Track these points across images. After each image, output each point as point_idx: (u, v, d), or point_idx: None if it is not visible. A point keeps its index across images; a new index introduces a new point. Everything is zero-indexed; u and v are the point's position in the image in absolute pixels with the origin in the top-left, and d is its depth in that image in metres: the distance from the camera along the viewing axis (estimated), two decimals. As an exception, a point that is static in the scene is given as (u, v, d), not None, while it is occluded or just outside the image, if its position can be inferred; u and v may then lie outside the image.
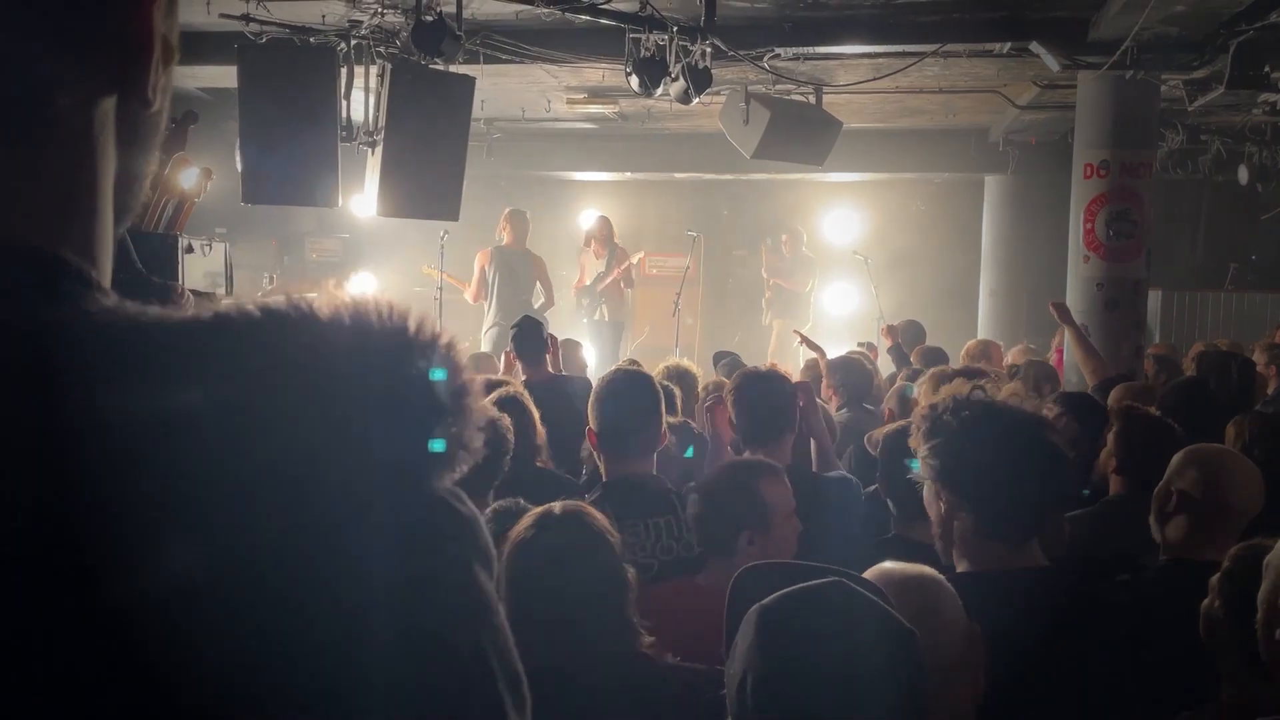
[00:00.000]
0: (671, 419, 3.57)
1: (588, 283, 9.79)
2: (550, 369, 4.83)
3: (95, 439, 0.46)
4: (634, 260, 10.04)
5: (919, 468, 2.08)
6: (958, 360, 6.10)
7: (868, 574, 1.61)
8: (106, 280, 0.56)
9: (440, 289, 9.29)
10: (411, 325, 0.53)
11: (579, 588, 1.89)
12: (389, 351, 0.52)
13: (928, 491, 2.06)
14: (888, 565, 1.66)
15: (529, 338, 4.81)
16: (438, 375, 0.53)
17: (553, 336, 5.04)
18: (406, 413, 0.52)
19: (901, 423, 3.00)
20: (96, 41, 0.53)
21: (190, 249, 6.67)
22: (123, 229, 0.61)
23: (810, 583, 1.38)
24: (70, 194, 0.55)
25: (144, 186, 0.62)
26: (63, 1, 0.52)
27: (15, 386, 0.46)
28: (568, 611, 1.88)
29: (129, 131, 0.58)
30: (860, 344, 7.66)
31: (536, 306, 8.52)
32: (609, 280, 9.69)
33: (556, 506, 2.01)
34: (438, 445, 0.52)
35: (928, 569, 1.67)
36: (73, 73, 0.53)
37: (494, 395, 3.35)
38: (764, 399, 3.15)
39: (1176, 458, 2.62)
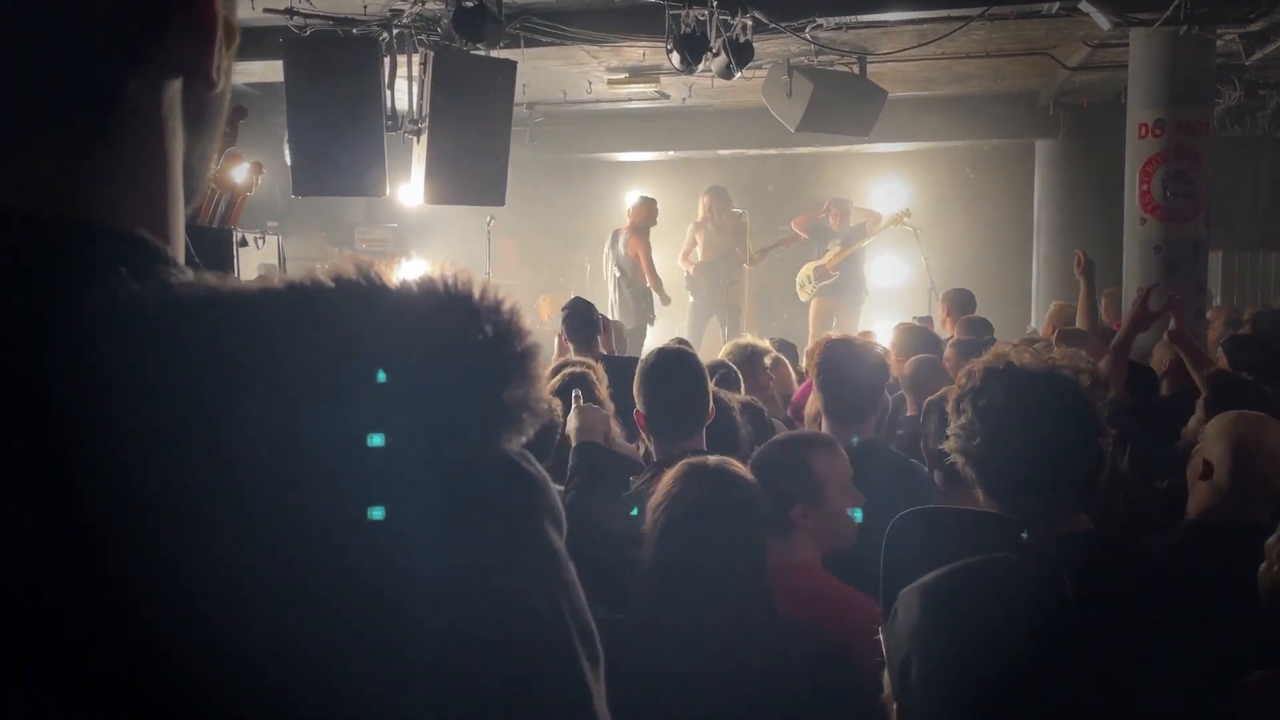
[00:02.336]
0: (738, 396, 3.57)
1: (709, 259, 9.29)
2: (603, 349, 4.84)
3: (178, 407, 0.48)
4: (787, 239, 9.53)
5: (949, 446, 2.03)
6: (1008, 332, 5.99)
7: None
8: (181, 256, 0.58)
9: (489, 274, 9.36)
10: (476, 292, 0.54)
11: (724, 543, 1.99)
12: (455, 317, 0.53)
13: (964, 456, 2.02)
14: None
15: (580, 319, 4.82)
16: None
17: (605, 318, 5.04)
18: (474, 376, 0.53)
19: (944, 390, 2.96)
20: (164, 24, 0.55)
21: (244, 243, 6.79)
22: (191, 209, 0.63)
23: (973, 559, 1.36)
24: (144, 175, 0.57)
25: (209, 168, 0.64)
26: None
27: (96, 359, 0.48)
28: (711, 567, 1.96)
29: (195, 113, 0.60)
30: (916, 318, 7.58)
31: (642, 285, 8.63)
32: (756, 255, 9.30)
33: (711, 460, 2.14)
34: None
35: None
36: (142, 56, 0.55)
37: (564, 373, 3.38)
38: (853, 375, 3.11)
39: (1212, 425, 2.56)
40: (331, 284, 0.52)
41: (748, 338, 4.90)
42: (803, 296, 9.85)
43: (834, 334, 3.74)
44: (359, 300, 0.52)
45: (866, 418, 3.11)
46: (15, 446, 0.47)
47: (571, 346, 4.81)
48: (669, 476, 2.14)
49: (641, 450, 3.37)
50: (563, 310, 4.97)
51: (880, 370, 3.20)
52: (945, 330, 6.66)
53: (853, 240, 9.68)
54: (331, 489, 0.48)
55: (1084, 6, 6.08)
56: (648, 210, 9.02)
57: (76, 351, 0.48)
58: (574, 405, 2.97)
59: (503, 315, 0.55)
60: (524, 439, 0.57)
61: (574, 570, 0.56)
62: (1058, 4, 6.16)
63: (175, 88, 0.58)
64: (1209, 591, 2.08)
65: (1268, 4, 5.85)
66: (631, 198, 8.96)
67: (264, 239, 7.26)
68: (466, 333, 0.53)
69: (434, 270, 0.55)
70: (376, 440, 0.49)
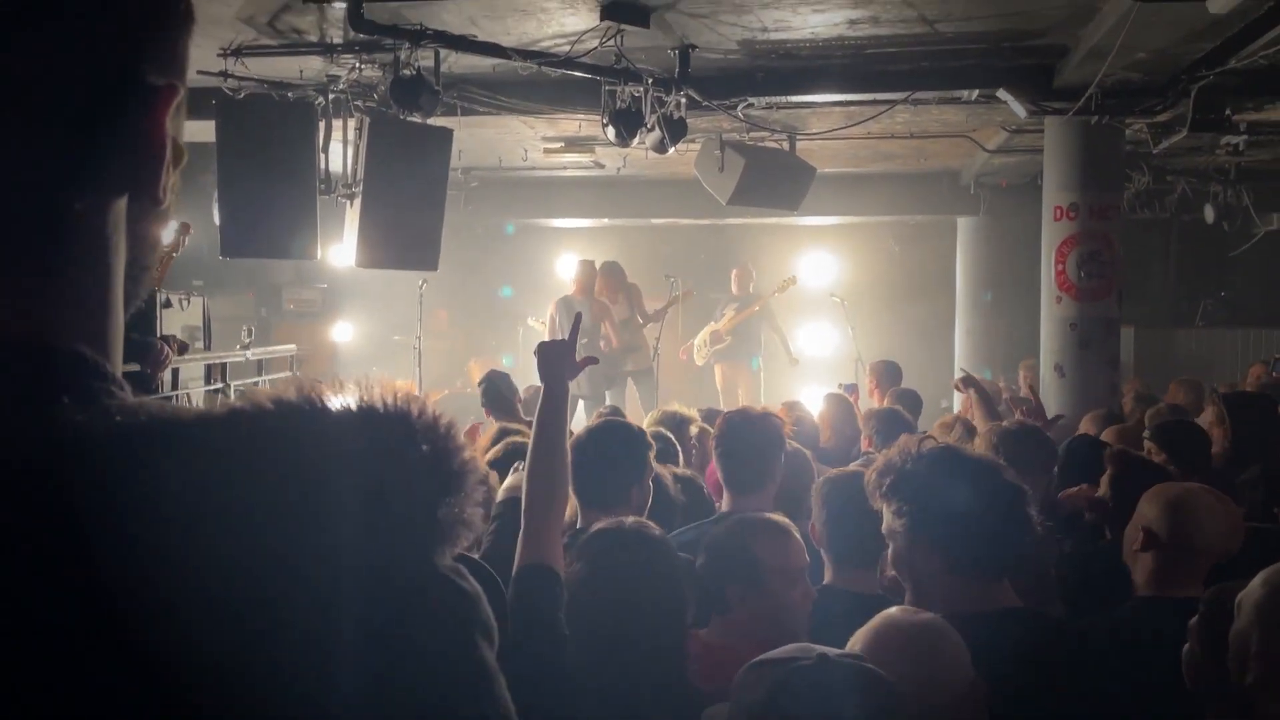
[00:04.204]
0: (675, 470, 3.59)
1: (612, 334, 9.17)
2: (525, 416, 4.89)
3: (116, 538, 0.48)
4: (681, 293, 9.39)
5: (887, 516, 2.15)
6: (930, 401, 6.15)
7: (873, 623, 1.66)
8: (119, 367, 0.58)
9: (419, 337, 9.31)
10: (414, 410, 0.56)
11: (645, 602, 2.02)
12: (393, 437, 0.55)
13: (898, 540, 2.12)
14: (894, 613, 1.72)
15: (495, 393, 5.00)
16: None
17: (518, 389, 5.21)
18: (410, 494, 0.54)
19: (850, 468, 3.02)
20: (113, 147, 0.56)
21: (168, 303, 6.68)
22: (129, 315, 0.64)
23: (792, 662, 1.44)
24: (87, 291, 0.57)
25: (151, 278, 0.65)
26: (80, 108, 0.55)
27: (38, 487, 0.48)
28: (624, 626, 1.98)
29: (139, 228, 0.61)
30: (841, 385, 7.70)
31: (605, 350, 8.56)
32: (653, 315, 9.19)
33: (627, 519, 2.17)
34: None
35: (934, 616, 1.73)
36: (89, 177, 0.56)
37: (505, 442, 3.39)
38: (749, 443, 3.15)
39: (1144, 496, 2.66)
40: (271, 407, 0.53)
41: (675, 406, 4.96)
42: (698, 360, 10.11)
43: (734, 407, 3.77)
44: (298, 424, 0.53)
45: (765, 486, 3.14)
46: None
47: (493, 418, 4.88)
48: (585, 537, 2.15)
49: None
50: (480, 384, 5.13)
51: (776, 441, 3.22)
52: (873, 401, 6.79)
53: (746, 305, 9.91)
54: (267, 607, 0.49)
55: (1001, 95, 6.35)
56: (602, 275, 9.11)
57: (17, 481, 0.48)
58: (512, 473, 2.97)
59: (439, 433, 0.56)
60: (457, 551, 0.58)
61: (504, 684, 0.57)
62: (977, 92, 6.43)
63: (121, 204, 0.59)
64: (1151, 668, 2.14)
65: (1173, 97, 6.17)
66: (584, 265, 8.98)
67: (189, 300, 7.13)
68: (404, 452, 0.54)
69: (372, 388, 0.56)
70: (310, 564, 0.50)
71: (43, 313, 0.55)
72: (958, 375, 6.13)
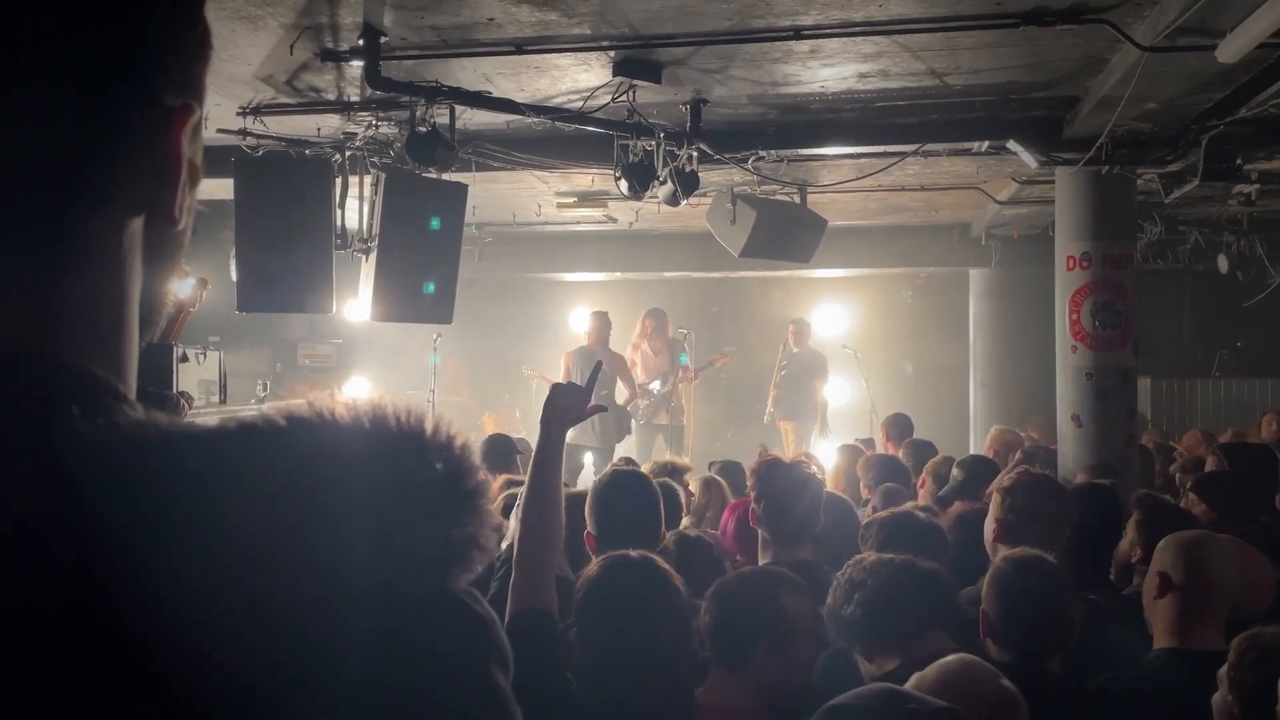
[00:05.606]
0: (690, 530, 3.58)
1: (650, 383, 9.48)
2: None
3: (124, 551, 0.47)
4: (726, 353, 9.66)
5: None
6: (946, 452, 6.12)
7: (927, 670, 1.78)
8: (133, 391, 0.58)
9: (433, 390, 9.33)
10: (428, 429, 0.55)
11: (648, 629, 2.01)
12: (407, 455, 0.53)
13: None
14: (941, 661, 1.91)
15: (496, 456, 5.10)
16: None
17: (524, 442, 5.25)
18: (423, 515, 0.53)
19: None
20: (128, 165, 0.56)
21: (185, 358, 6.72)
22: (146, 341, 0.63)
23: (866, 688, 1.62)
24: (100, 311, 0.57)
25: (167, 301, 0.65)
26: (96, 126, 0.55)
27: (49, 502, 0.47)
28: (634, 653, 1.97)
29: (155, 249, 0.61)
30: (858, 439, 7.67)
31: (620, 402, 8.65)
32: (692, 375, 9.44)
33: (633, 553, 2.16)
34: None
35: (967, 655, 1.93)
36: (105, 195, 0.56)
37: (509, 493, 3.39)
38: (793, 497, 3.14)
39: (1161, 545, 2.62)
40: (283, 423, 0.52)
41: (668, 456, 5.01)
42: (766, 419, 10.17)
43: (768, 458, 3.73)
44: (311, 439, 0.52)
45: (806, 539, 3.13)
46: None
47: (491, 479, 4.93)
48: (591, 567, 2.12)
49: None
50: (481, 447, 5.22)
51: (818, 493, 3.26)
52: (886, 451, 6.77)
53: (791, 362, 9.97)
54: (279, 626, 0.48)
55: (1011, 146, 6.39)
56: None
57: (24, 493, 0.47)
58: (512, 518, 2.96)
59: (454, 452, 0.55)
60: (472, 576, 0.56)
61: (519, 711, 0.56)
62: (986, 143, 6.47)
63: (137, 224, 0.58)
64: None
65: (1183, 147, 6.19)
66: (594, 317, 9.10)
67: (205, 354, 7.18)
68: (417, 470, 0.53)
69: (386, 405, 0.55)
70: (323, 583, 0.49)
71: (54, 330, 0.54)
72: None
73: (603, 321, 9.02)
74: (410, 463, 0.53)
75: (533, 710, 1.89)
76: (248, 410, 7.75)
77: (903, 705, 1.55)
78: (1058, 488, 3.78)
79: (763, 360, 10.97)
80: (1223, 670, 1.99)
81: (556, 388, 2.51)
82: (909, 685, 1.79)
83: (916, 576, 2.43)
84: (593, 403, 2.57)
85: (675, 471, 4.69)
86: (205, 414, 6.93)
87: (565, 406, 2.43)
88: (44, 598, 0.46)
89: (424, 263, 6.27)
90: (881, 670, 2.31)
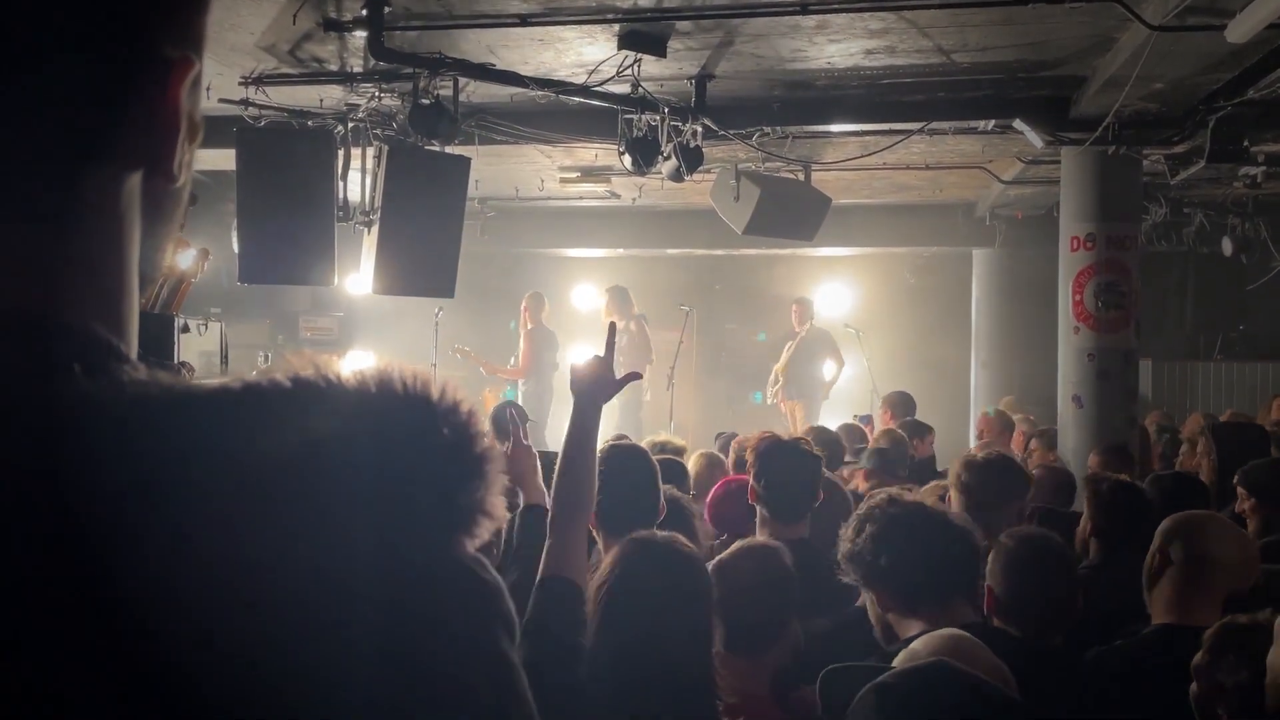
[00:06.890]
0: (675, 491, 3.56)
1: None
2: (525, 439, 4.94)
3: (128, 509, 0.46)
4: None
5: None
6: (945, 432, 6.18)
7: (914, 645, 1.80)
8: (134, 350, 0.57)
9: (434, 365, 9.32)
10: (435, 393, 0.54)
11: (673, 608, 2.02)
12: (414, 418, 0.53)
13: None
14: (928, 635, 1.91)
15: (496, 425, 5.13)
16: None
17: (520, 412, 5.25)
18: (431, 479, 0.53)
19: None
20: (126, 120, 0.55)
21: (186, 329, 6.70)
22: (143, 300, 0.63)
23: (916, 663, 1.60)
24: (99, 269, 0.56)
25: (165, 258, 0.64)
26: (93, 81, 0.54)
27: (50, 460, 0.47)
28: (656, 642, 1.98)
29: (153, 206, 0.60)
30: (856, 416, 7.69)
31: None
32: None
33: (659, 535, 2.19)
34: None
35: (957, 630, 1.91)
36: (102, 149, 0.55)
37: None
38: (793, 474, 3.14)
39: (1163, 524, 2.67)
40: (289, 384, 0.52)
41: (664, 435, 5.01)
42: (770, 401, 10.17)
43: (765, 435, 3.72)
44: (317, 401, 0.51)
45: (805, 517, 3.14)
46: None
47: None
48: (615, 550, 2.12)
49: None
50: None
51: (818, 471, 3.26)
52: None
53: (794, 342, 9.97)
54: (283, 591, 0.47)
55: (1018, 125, 6.35)
56: None
57: (26, 450, 0.47)
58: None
59: (461, 417, 0.55)
60: (478, 542, 0.56)
61: (525, 680, 0.55)
62: (993, 122, 6.43)
63: (135, 180, 0.57)
64: (1169, 696, 2.12)
65: (1190, 128, 6.16)
66: (612, 293, 9.24)
67: (206, 326, 7.17)
68: (424, 435, 0.53)
69: (392, 369, 0.55)
70: (327, 537, 0.48)
71: (54, 288, 0.54)
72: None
73: (621, 296, 9.14)
74: (417, 427, 0.53)
75: (562, 669, 1.90)
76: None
77: (965, 681, 1.52)
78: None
79: (772, 339, 10.98)
80: (1198, 656, 2.00)
81: (575, 366, 2.50)
82: (898, 660, 1.80)
83: (952, 534, 2.38)
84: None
85: (673, 451, 4.67)
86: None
87: (589, 379, 2.41)
88: (47, 556, 0.46)
89: (426, 236, 6.25)
90: (904, 633, 2.24)
